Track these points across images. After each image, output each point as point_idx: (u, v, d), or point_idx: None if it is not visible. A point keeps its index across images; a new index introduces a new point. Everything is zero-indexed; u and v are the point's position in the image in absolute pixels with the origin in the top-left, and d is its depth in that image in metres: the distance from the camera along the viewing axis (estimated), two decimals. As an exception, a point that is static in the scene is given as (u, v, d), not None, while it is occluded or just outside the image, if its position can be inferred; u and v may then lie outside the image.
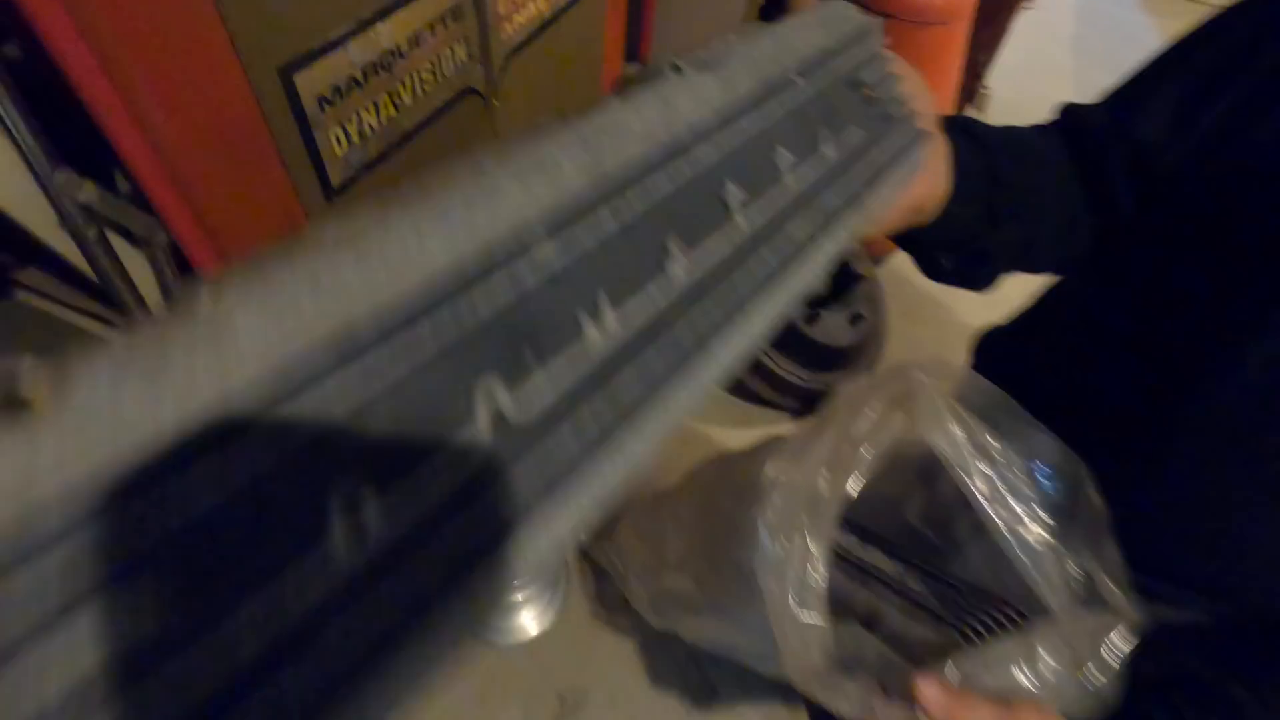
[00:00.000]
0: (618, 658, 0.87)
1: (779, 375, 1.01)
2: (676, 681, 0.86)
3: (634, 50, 1.13)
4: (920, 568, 0.64)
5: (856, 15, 0.37)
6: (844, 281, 0.97)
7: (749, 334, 0.24)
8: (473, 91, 0.78)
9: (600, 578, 0.93)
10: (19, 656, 0.11)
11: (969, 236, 0.51)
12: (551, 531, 0.17)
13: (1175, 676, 0.52)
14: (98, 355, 0.13)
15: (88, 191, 0.46)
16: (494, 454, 0.17)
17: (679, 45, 1.15)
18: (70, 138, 0.44)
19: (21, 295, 0.69)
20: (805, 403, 1.09)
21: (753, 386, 1.06)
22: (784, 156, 0.28)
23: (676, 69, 0.26)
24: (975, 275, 0.56)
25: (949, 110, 0.90)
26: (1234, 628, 0.56)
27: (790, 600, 0.53)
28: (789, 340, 1.00)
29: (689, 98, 0.25)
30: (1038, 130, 0.56)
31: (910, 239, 0.50)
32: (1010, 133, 0.53)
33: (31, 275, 0.66)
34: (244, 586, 0.13)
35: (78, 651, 0.11)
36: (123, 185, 0.49)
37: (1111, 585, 0.53)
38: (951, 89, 1.17)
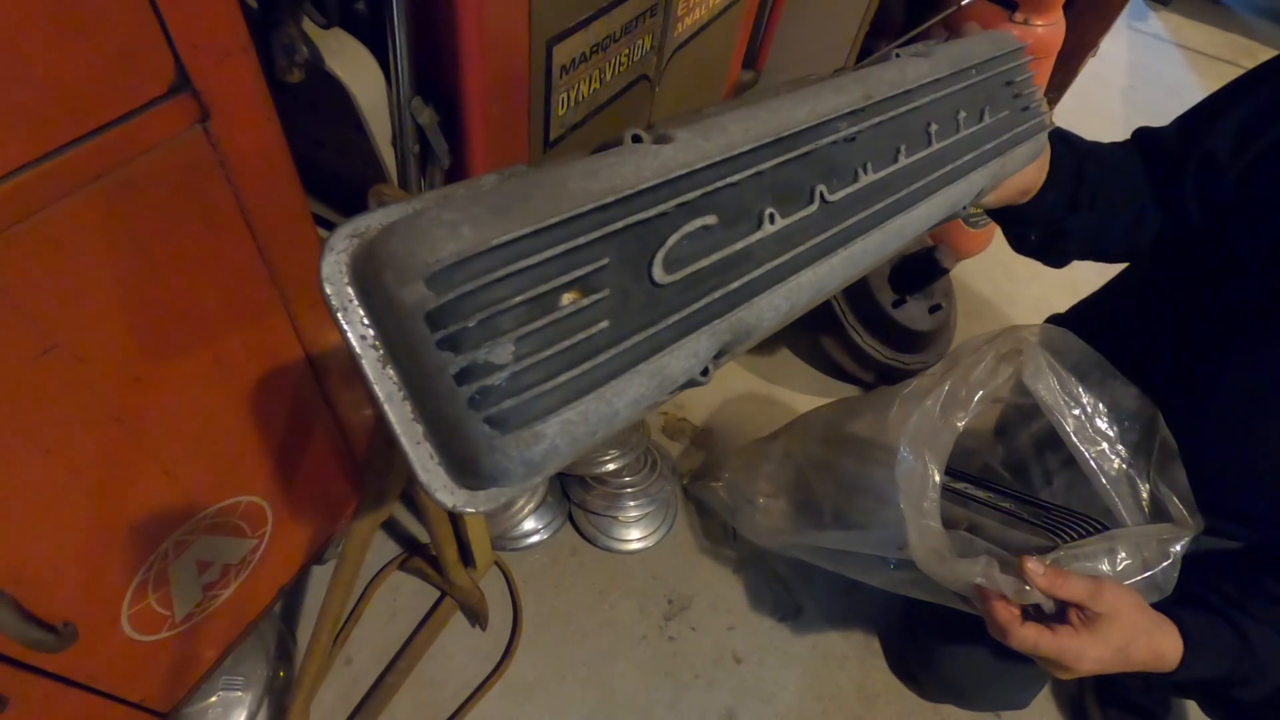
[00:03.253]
0: (718, 575, 1.00)
1: (864, 350, 1.15)
2: (768, 598, 0.98)
3: (751, 60, 1.27)
4: (1008, 493, 0.76)
5: (1013, 40, 0.51)
6: (930, 274, 1.11)
7: (918, 211, 0.39)
8: (645, 78, 0.92)
9: (704, 513, 1.06)
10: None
11: (1052, 219, 0.64)
12: (782, 294, 0.31)
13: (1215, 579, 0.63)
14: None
15: (425, 116, 0.60)
16: (766, 245, 0.31)
17: (789, 59, 1.29)
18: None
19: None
20: (880, 377, 1.23)
21: (838, 359, 1.20)
22: (960, 115, 0.43)
23: (898, 55, 0.42)
24: (1050, 249, 0.69)
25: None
26: (1265, 549, 0.68)
27: (919, 504, 0.65)
28: (877, 321, 1.14)
29: (913, 69, 0.41)
30: (1118, 145, 0.70)
31: (1009, 215, 0.64)
32: (1097, 145, 0.67)
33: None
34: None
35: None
36: (432, 116, 0.63)
37: (1179, 503, 0.65)
38: (1029, 118, 1.33)
